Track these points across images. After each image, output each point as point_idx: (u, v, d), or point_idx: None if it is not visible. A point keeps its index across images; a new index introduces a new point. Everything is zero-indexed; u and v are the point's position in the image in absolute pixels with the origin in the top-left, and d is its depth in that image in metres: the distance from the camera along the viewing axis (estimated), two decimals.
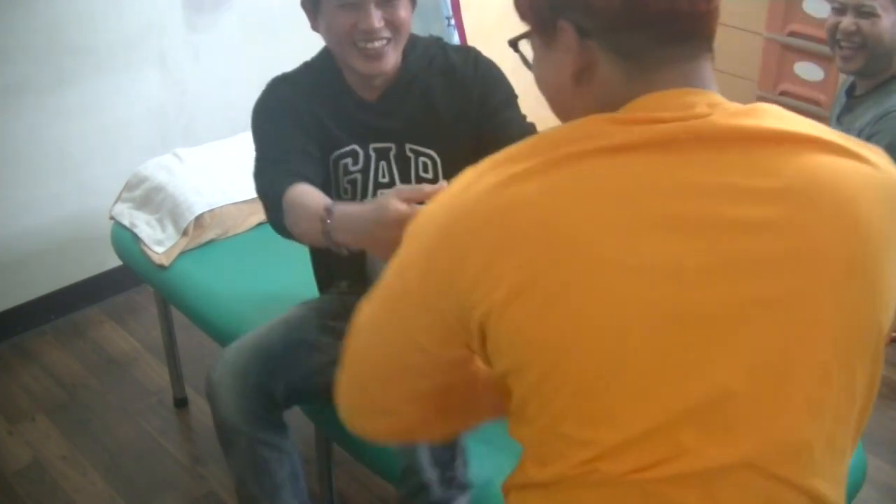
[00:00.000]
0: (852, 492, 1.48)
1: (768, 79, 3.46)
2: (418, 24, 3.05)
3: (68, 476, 2.30)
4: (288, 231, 1.50)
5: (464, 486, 1.49)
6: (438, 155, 1.65)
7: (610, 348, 0.80)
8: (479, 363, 0.97)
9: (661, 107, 0.83)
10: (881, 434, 2.33)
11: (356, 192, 1.66)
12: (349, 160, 1.65)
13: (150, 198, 2.39)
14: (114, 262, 2.62)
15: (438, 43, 1.69)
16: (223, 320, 2.02)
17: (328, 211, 1.35)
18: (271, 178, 1.54)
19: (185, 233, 2.27)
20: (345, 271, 1.76)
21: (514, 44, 0.97)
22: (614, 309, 0.80)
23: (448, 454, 1.47)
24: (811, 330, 0.82)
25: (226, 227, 2.34)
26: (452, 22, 2.99)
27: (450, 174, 1.46)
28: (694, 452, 0.81)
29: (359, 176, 1.65)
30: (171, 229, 2.29)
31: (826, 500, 0.85)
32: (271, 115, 1.63)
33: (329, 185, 1.65)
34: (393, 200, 1.22)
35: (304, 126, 1.62)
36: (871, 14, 2.01)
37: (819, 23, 3.02)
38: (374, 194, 1.65)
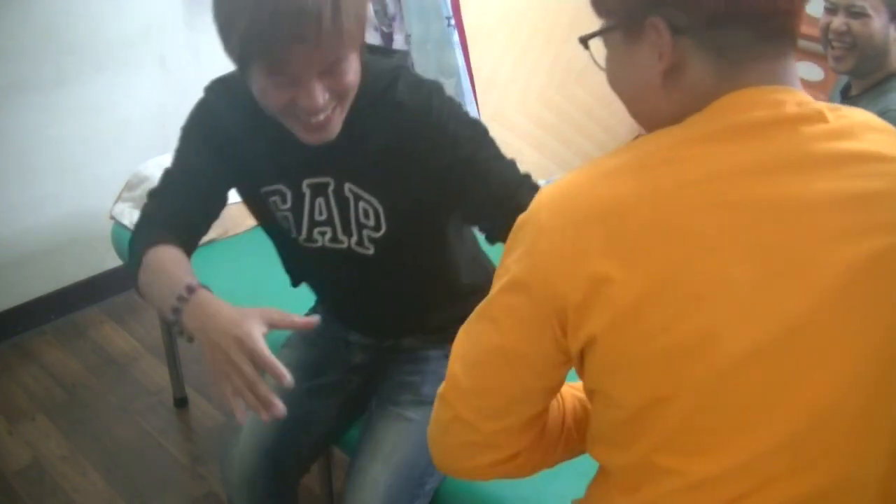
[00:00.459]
0: None
1: None
2: (418, 24, 3.05)
3: (68, 476, 2.30)
4: (137, 284, 1.37)
5: None
6: (381, 204, 1.41)
7: (721, 374, 0.80)
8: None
9: (750, 105, 0.82)
10: None
11: (290, 227, 1.48)
12: (277, 198, 1.45)
13: None
14: (114, 262, 2.62)
15: (395, 73, 1.37)
16: None
17: (189, 290, 1.23)
18: (150, 224, 1.41)
19: None
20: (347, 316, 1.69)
21: (585, 41, 0.92)
22: (731, 331, 0.79)
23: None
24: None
25: (226, 227, 2.34)
26: (452, 22, 2.99)
27: (395, 230, 1.41)
28: (782, 482, 0.82)
29: (289, 214, 1.46)
30: None
31: None
32: (191, 135, 1.45)
33: (265, 215, 1.51)
34: (256, 327, 1.16)
35: (225, 156, 1.42)
36: (861, 14, 2.01)
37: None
38: (311, 232, 1.46)
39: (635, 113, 0.90)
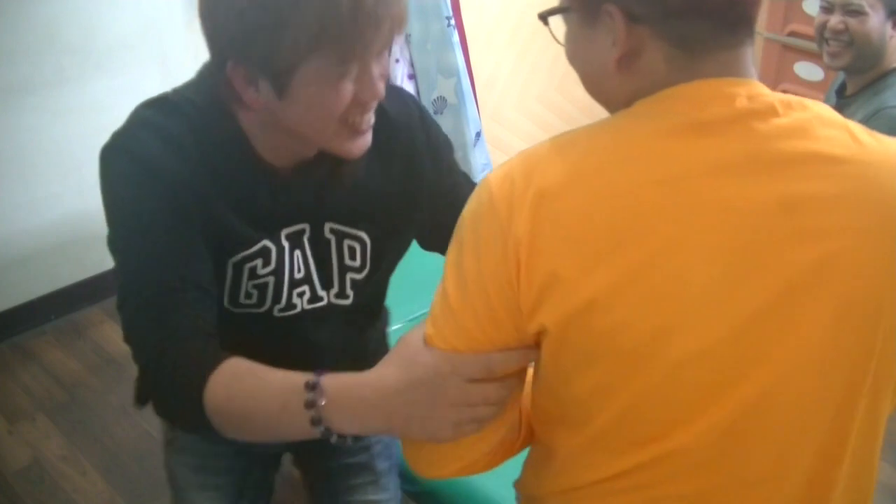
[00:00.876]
0: None
1: (768, 78, 3.46)
2: (418, 24, 3.06)
3: (68, 476, 2.30)
4: (206, 421, 1.01)
5: None
6: (369, 236, 1.24)
7: (667, 371, 0.81)
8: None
9: (704, 100, 0.82)
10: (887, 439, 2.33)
11: (264, 299, 1.20)
12: (259, 261, 1.17)
13: None
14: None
15: None
16: None
17: (311, 388, 0.92)
18: (172, 355, 1.04)
19: None
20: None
21: (544, 18, 0.94)
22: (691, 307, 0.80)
23: None
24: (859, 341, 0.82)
25: None
26: (452, 22, 2.99)
27: (378, 260, 1.27)
28: (706, 470, 0.84)
29: (271, 279, 1.19)
30: None
31: None
32: (140, 192, 1.08)
33: (220, 297, 1.17)
34: (423, 348, 0.92)
35: (189, 218, 1.09)
36: (858, 12, 2.02)
37: None
38: (289, 297, 1.21)
39: (591, 91, 0.90)
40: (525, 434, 1.01)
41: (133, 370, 1.11)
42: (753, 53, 3.75)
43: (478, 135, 3.14)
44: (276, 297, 1.20)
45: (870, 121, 1.99)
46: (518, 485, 1.05)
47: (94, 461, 2.34)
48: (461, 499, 1.57)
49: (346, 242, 1.23)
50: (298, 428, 0.93)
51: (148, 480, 2.28)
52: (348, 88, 1.03)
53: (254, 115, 1.09)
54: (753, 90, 0.83)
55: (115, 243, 1.13)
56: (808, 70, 3.39)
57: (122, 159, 1.09)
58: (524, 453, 1.03)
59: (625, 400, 0.83)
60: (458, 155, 3.17)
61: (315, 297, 1.24)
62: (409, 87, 3.16)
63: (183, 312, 1.06)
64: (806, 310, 0.80)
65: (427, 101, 3.17)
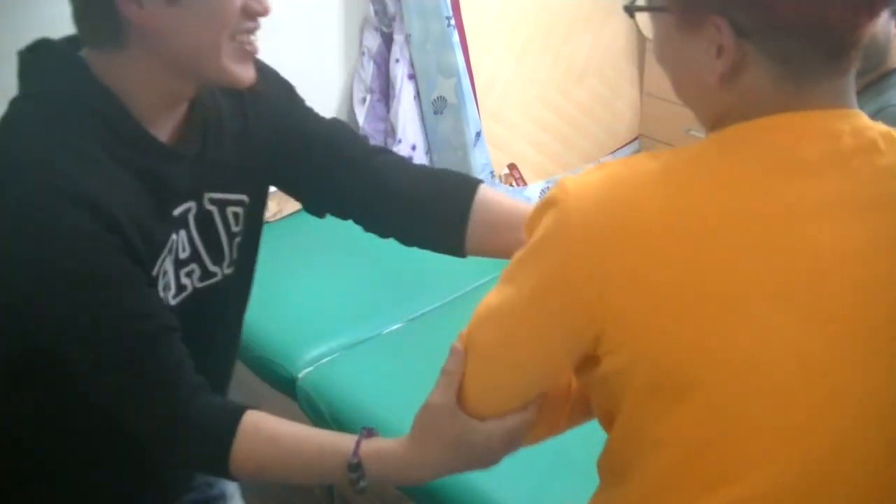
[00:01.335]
0: None
1: None
2: (418, 24, 3.05)
3: None
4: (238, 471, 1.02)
5: None
6: (248, 195, 1.20)
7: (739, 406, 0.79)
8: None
9: (806, 134, 0.78)
10: None
11: (166, 300, 1.10)
12: (170, 257, 1.09)
13: None
14: None
15: None
16: None
17: (354, 468, 0.97)
18: (183, 411, 1.01)
19: None
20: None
21: (631, 11, 0.86)
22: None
23: None
24: None
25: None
26: (452, 22, 2.99)
27: (257, 220, 1.23)
28: None
29: (172, 273, 1.11)
30: None
31: None
32: (77, 235, 0.95)
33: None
34: (471, 430, 0.93)
35: (127, 241, 0.99)
36: None
37: None
38: (178, 279, 1.12)
39: (681, 96, 0.86)
40: (568, 419, 0.99)
41: None
42: None
43: (478, 135, 3.14)
44: (169, 286, 1.11)
45: (874, 119, 2.00)
46: None
47: None
48: (461, 499, 1.57)
49: (230, 210, 1.18)
50: (328, 483, 0.98)
51: None
52: None
53: (127, 62, 1.01)
54: (857, 123, 0.80)
55: (52, 309, 0.97)
56: None
57: (48, 201, 0.94)
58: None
59: (698, 437, 0.81)
60: (458, 155, 3.17)
61: (207, 274, 1.17)
62: (409, 87, 3.16)
63: (173, 361, 1.01)
64: (883, 356, 0.79)
65: (427, 101, 3.17)
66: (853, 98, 0.81)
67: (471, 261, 2.38)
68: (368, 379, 1.85)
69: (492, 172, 3.20)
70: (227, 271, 1.19)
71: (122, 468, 1.16)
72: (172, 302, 1.11)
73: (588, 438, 1.01)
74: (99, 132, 1.00)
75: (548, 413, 0.96)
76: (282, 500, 2.14)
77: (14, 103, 1.04)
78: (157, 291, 1.05)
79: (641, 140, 3.79)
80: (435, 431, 0.94)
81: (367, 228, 1.30)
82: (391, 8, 3.11)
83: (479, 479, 1.49)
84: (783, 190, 0.77)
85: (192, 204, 1.12)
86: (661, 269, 0.76)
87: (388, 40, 3.18)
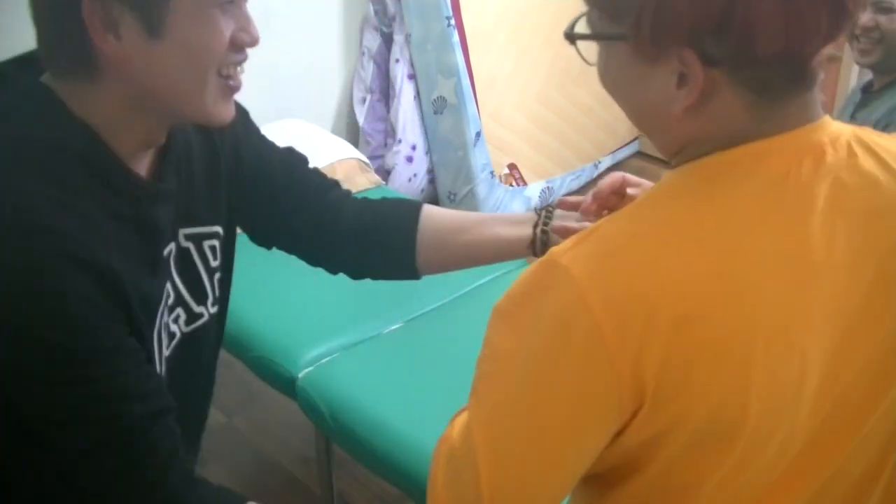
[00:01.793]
0: None
1: None
2: (418, 24, 3.05)
3: None
4: None
5: None
6: (222, 226, 1.13)
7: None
8: None
9: (794, 154, 0.76)
10: None
11: (161, 353, 1.03)
12: (165, 311, 1.03)
13: None
14: None
15: None
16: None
17: None
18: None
19: None
20: None
21: (572, 39, 0.81)
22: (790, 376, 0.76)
23: None
24: None
25: None
26: (452, 22, 2.99)
27: (231, 251, 1.17)
28: None
29: (163, 321, 1.03)
30: None
31: None
32: (81, 306, 0.86)
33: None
34: None
35: (123, 307, 0.91)
36: (890, 10, 2.05)
37: None
38: (168, 328, 1.05)
39: (639, 125, 0.83)
40: None
41: None
42: None
43: (478, 135, 3.14)
44: (160, 339, 1.02)
45: (892, 114, 2.02)
46: None
47: None
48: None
49: (206, 244, 1.10)
50: None
51: None
52: (228, 25, 0.91)
53: (101, 98, 0.91)
54: (830, 132, 0.78)
55: (43, 383, 0.88)
56: None
57: (48, 265, 0.84)
58: None
59: (739, 476, 0.79)
60: (458, 155, 3.18)
61: (192, 316, 1.09)
62: (409, 87, 3.16)
63: (168, 448, 0.94)
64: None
65: (427, 101, 3.17)
66: (819, 106, 0.79)
67: None
68: (368, 379, 1.85)
69: (492, 172, 3.20)
70: (213, 310, 1.12)
71: None
72: (167, 352, 1.04)
73: None
74: (84, 179, 0.90)
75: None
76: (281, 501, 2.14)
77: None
78: (154, 370, 0.97)
79: (641, 140, 3.79)
80: None
81: (313, 263, 1.25)
82: (391, 8, 3.11)
83: None
84: (793, 220, 0.75)
85: (172, 246, 1.03)
86: (698, 326, 0.72)
87: (388, 40, 3.18)
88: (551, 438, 0.76)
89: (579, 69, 3.50)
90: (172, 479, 0.94)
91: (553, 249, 0.76)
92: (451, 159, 3.19)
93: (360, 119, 3.25)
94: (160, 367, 1.02)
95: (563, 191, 3.49)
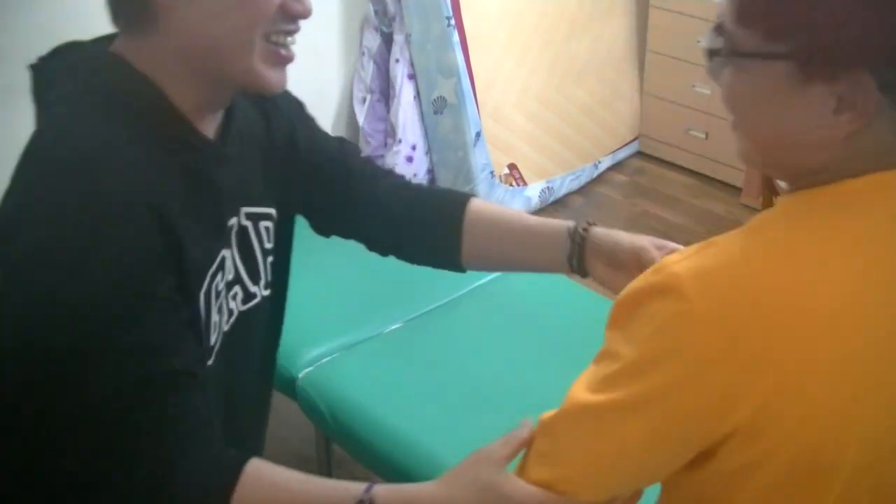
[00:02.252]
0: None
1: None
2: (418, 24, 3.05)
3: None
4: None
5: None
6: (277, 211, 1.14)
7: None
8: None
9: None
10: None
11: (220, 326, 1.02)
12: (218, 277, 1.00)
13: None
14: None
15: None
16: None
17: (365, 497, 0.89)
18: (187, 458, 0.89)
19: None
20: None
21: (716, 54, 0.75)
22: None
23: None
24: None
25: None
26: (452, 22, 2.99)
27: (286, 236, 1.18)
28: None
29: (224, 295, 1.02)
30: None
31: None
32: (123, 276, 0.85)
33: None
34: (506, 481, 0.85)
35: (166, 265, 0.89)
36: None
37: None
38: (227, 303, 1.04)
39: (767, 147, 0.76)
40: None
41: None
42: None
43: (478, 135, 3.14)
44: (222, 310, 1.02)
45: None
46: None
47: None
48: None
49: (262, 225, 1.10)
50: None
51: None
52: None
53: (158, 53, 0.93)
54: None
55: (53, 342, 0.84)
56: None
57: (115, 200, 0.85)
58: None
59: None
60: (458, 155, 3.17)
61: (248, 295, 1.09)
62: (409, 87, 3.16)
63: (183, 410, 0.89)
64: None
65: (427, 101, 3.17)
66: None
67: None
68: (368, 379, 1.85)
69: (492, 172, 3.20)
70: (265, 293, 1.12)
71: None
72: (226, 328, 1.03)
73: None
74: (148, 129, 0.91)
75: None
76: None
77: (47, 109, 0.97)
78: (187, 331, 0.92)
79: (641, 140, 3.79)
80: (471, 472, 0.88)
81: (370, 247, 1.31)
82: (391, 8, 3.11)
83: None
84: None
85: (235, 219, 1.04)
86: (811, 352, 0.70)
87: (388, 40, 3.18)
88: (633, 444, 0.76)
89: (580, 69, 3.51)
90: (186, 440, 0.89)
91: (667, 258, 0.75)
92: (451, 159, 3.19)
93: (360, 119, 3.25)
94: (215, 339, 1.01)
95: (564, 191, 3.49)
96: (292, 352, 1.91)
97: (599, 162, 3.63)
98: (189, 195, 0.94)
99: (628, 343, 0.75)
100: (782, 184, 0.81)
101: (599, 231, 1.16)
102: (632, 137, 3.77)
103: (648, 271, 0.76)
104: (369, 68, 3.20)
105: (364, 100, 3.23)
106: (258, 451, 1.20)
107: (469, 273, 1.36)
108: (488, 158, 3.19)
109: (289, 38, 0.97)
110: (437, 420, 1.70)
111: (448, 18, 2.98)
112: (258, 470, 0.90)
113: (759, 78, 0.72)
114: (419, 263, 1.31)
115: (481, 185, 3.17)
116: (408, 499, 0.89)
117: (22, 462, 0.92)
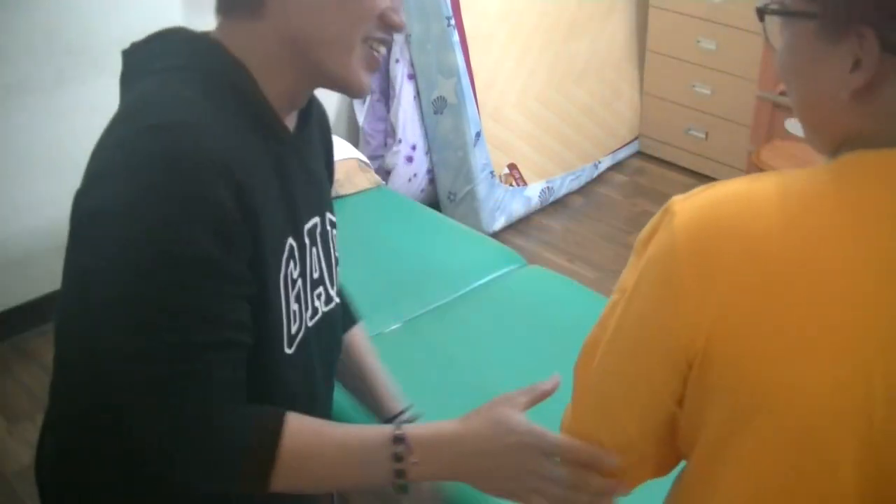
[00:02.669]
0: None
1: (768, 79, 3.46)
2: (418, 24, 3.05)
3: None
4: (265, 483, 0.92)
5: None
6: (335, 216, 1.17)
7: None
8: None
9: None
10: None
11: (301, 316, 1.04)
12: (291, 264, 1.01)
13: None
14: None
15: None
16: None
17: (398, 442, 0.93)
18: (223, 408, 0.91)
19: None
20: None
21: (762, 14, 0.78)
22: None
23: None
24: None
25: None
26: (452, 22, 2.99)
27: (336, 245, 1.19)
28: None
29: (299, 282, 1.03)
30: None
31: None
32: (193, 234, 0.86)
33: (270, 331, 0.98)
34: (516, 416, 0.94)
35: (237, 243, 0.90)
36: None
37: None
38: (312, 301, 1.07)
39: (803, 114, 0.80)
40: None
41: None
42: (754, 53, 3.68)
43: (478, 135, 3.14)
44: (307, 305, 1.05)
45: None
46: None
47: None
48: (460, 498, 1.56)
49: (333, 231, 1.14)
50: (369, 480, 0.96)
51: None
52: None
53: (260, 38, 0.96)
54: None
55: (105, 289, 0.89)
56: (796, 126, 3.39)
57: (196, 165, 0.86)
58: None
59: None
60: (458, 155, 3.17)
61: (328, 298, 1.12)
62: (409, 87, 3.16)
63: (225, 379, 0.91)
64: None
65: (427, 101, 3.17)
66: None
67: (469, 261, 2.37)
68: None
69: (492, 172, 3.20)
70: (337, 300, 1.15)
71: None
72: (310, 323, 1.06)
73: None
74: (238, 107, 0.95)
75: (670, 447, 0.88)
76: None
77: (143, 80, 1.00)
78: (246, 308, 0.93)
79: (641, 140, 3.79)
80: (489, 410, 0.96)
81: None
82: None
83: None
84: None
85: (317, 220, 1.07)
86: (767, 299, 0.72)
87: None
88: (628, 362, 0.82)
89: (580, 69, 3.51)
90: (216, 410, 0.91)
91: (676, 196, 0.79)
92: (451, 159, 3.19)
93: (360, 119, 3.25)
94: (297, 329, 1.03)
95: (564, 191, 3.49)
96: None
97: (599, 162, 3.63)
98: (271, 179, 0.97)
99: (632, 274, 0.82)
100: None
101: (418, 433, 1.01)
102: (632, 137, 3.77)
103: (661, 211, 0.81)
104: None
105: (364, 100, 3.23)
106: None
107: (469, 273, 1.35)
108: (488, 158, 3.19)
109: (382, 48, 1.02)
110: (436, 419, 1.70)
111: (448, 18, 2.98)
112: (300, 418, 0.95)
113: (796, 38, 0.77)
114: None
115: (481, 185, 3.17)
116: (431, 431, 0.97)
117: (77, 408, 1.00)
